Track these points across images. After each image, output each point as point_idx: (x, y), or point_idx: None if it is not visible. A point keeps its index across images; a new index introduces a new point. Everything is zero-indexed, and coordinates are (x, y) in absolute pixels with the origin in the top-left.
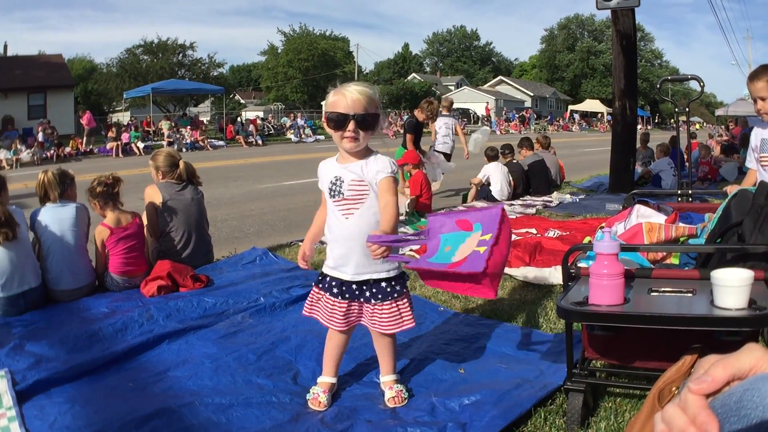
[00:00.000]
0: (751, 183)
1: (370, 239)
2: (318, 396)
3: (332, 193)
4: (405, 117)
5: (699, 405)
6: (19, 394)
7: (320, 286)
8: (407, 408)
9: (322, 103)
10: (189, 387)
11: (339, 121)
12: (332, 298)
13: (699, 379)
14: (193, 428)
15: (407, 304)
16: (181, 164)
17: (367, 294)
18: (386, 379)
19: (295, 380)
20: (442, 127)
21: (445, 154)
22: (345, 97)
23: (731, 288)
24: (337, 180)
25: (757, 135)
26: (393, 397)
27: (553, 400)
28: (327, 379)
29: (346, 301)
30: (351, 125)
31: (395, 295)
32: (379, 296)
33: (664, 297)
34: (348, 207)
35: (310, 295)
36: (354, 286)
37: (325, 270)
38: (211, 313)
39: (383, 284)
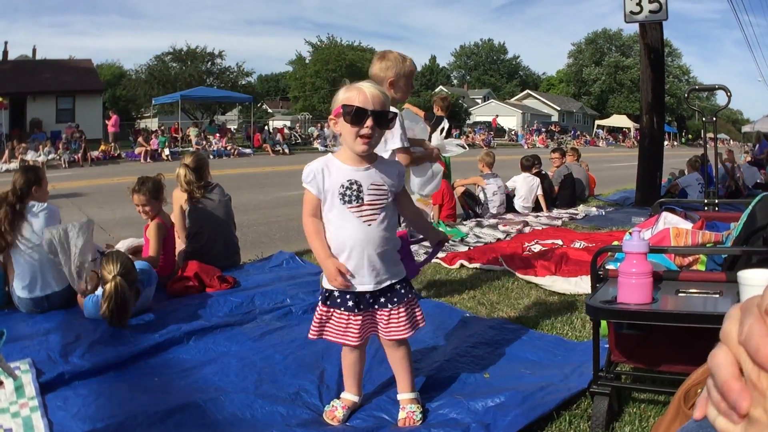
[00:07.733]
0: None
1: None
2: (335, 410)
3: (348, 198)
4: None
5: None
6: (42, 385)
7: (328, 303)
8: (431, 409)
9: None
10: (215, 383)
11: (357, 116)
12: (347, 313)
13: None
14: (217, 423)
15: (418, 304)
16: (182, 170)
17: (382, 300)
18: (402, 396)
19: (321, 380)
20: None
21: None
22: (362, 93)
23: (758, 288)
24: (352, 184)
25: None
26: (403, 419)
27: (578, 404)
28: (349, 396)
29: (362, 314)
30: (369, 121)
31: (409, 295)
32: (395, 299)
33: (692, 297)
34: (371, 212)
35: (314, 317)
36: (368, 295)
37: (330, 286)
38: (238, 312)
39: (397, 287)
